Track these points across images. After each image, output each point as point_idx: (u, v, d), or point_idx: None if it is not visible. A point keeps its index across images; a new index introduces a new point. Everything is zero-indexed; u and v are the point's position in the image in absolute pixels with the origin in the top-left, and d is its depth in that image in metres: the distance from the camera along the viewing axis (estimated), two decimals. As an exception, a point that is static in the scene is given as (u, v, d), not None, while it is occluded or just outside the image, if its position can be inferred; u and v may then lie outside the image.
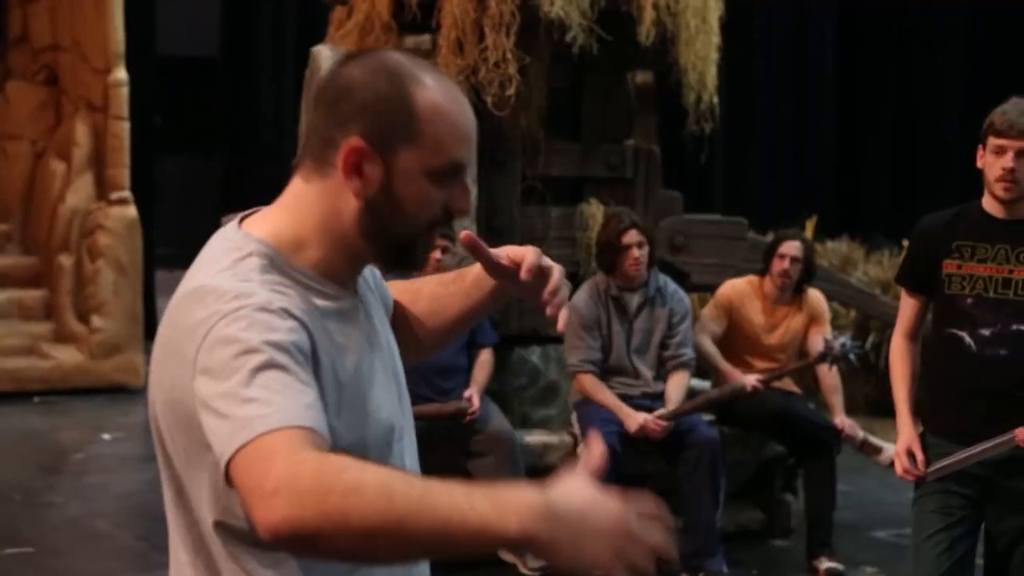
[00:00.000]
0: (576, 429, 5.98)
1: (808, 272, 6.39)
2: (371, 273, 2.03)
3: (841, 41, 14.20)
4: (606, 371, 6.05)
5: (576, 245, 6.73)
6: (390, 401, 1.91)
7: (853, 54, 14.20)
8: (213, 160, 16.59)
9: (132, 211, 10.29)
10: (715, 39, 6.82)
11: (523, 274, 1.99)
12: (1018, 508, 3.94)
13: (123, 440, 8.80)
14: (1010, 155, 3.81)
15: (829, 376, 6.31)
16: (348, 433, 1.78)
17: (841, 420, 6.23)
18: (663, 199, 7.00)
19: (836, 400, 6.32)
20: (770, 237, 6.76)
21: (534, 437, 6.15)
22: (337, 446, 1.69)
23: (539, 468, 5.87)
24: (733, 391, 6.15)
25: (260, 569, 1.77)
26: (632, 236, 5.98)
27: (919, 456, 3.96)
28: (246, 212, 1.92)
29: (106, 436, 8.75)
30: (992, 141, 3.84)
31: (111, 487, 7.47)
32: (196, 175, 17.90)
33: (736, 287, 6.48)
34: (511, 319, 6.60)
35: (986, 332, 3.87)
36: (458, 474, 5.43)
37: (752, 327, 6.40)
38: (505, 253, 2.02)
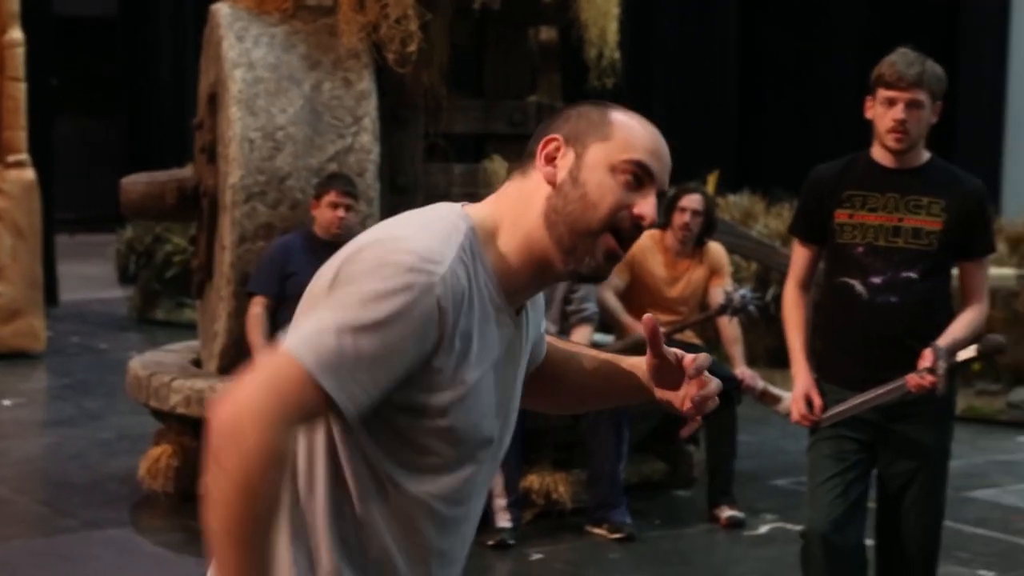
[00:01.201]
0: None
1: (709, 225, 6.47)
2: (535, 313, 2.13)
3: (741, -3, 14.31)
4: (510, 326, 6.08)
5: (479, 202, 6.73)
6: (494, 423, 1.98)
7: (753, 9, 14.32)
8: (112, 121, 16.38)
9: (30, 174, 10.12)
10: (615, -6, 6.84)
11: (690, 369, 2.08)
12: (908, 452, 4.04)
13: (24, 406, 8.70)
14: (900, 106, 3.88)
15: (729, 328, 6.41)
16: (458, 423, 1.89)
17: (742, 371, 6.33)
18: (565, 155, 7.03)
19: (736, 351, 6.42)
20: (671, 191, 6.82)
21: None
22: (438, 422, 1.87)
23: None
24: (636, 343, 6.22)
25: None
26: (535, 192, 6.01)
27: (816, 402, 4.04)
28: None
29: (6, 402, 8.64)
30: (882, 92, 3.90)
31: (12, 452, 7.39)
32: (95, 137, 17.64)
33: (638, 241, 6.53)
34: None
35: (877, 280, 3.95)
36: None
37: (654, 280, 6.47)
38: (675, 352, 2.12)
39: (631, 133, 1.94)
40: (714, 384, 2.10)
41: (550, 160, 1.95)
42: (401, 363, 1.81)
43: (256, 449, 1.74)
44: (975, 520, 6.27)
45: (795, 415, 4.06)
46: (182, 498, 6.21)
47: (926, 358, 3.85)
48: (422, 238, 1.85)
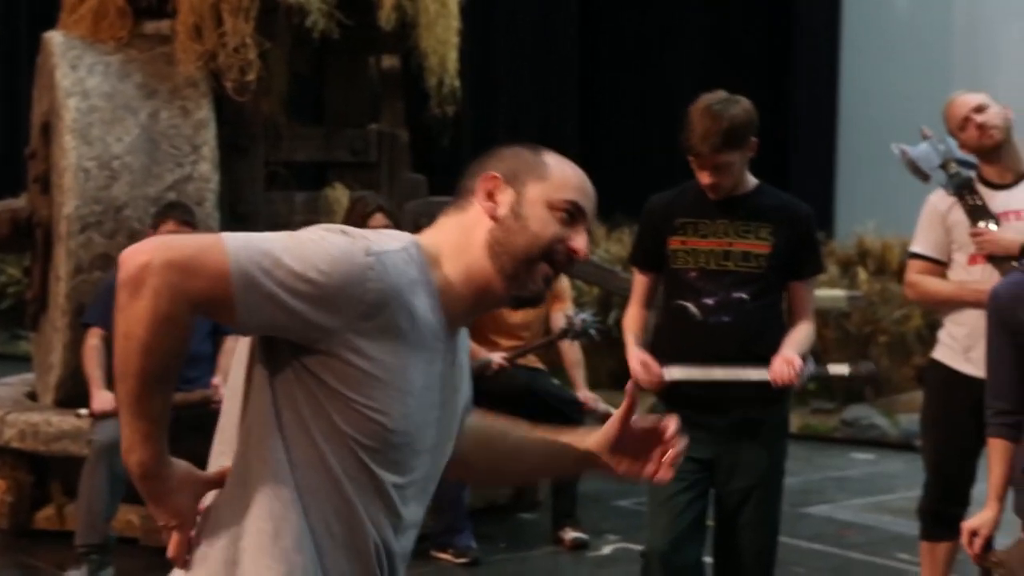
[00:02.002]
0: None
1: (549, 251, 6.54)
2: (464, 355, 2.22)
3: (583, 24, 14.51)
4: (353, 353, 6.07)
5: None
6: (430, 436, 2.08)
7: (594, 37, 14.54)
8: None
9: None
10: (455, 23, 6.91)
11: (669, 436, 2.26)
12: (744, 471, 4.13)
13: None
14: (707, 172, 4.02)
15: (571, 351, 6.49)
16: (399, 423, 1.98)
17: (584, 394, 6.41)
18: (408, 182, 7.06)
19: (578, 374, 6.50)
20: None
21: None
22: (376, 420, 1.96)
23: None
24: (479, 368, 6.25)
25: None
26: (378, 220, 6.03)
27: (653, 367, 4.07)
28: None
29: None
30: (689, 155, 4.03)
31: None
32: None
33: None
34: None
35: (709, 301, 4.06)
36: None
37: (496, 306, 6.51)
38: (648, 419, 2.27)
39: (565, 174, 2.13)
40: (683, 443, 2.28)
41: (491, 196, 2.10)
42: (309, 306, 1.89)
43: (147, 310, 1.84)
44: (810, 535, 6.43)
45: (640, 380, 4.04)
46: (17, 534, 6.06)
47: (795, 360, 3.95)
48: (370, 235, 1.99)
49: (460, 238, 2.09)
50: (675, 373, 4.06)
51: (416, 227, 6.81)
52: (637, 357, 4.11)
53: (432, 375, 2.04)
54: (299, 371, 1.95)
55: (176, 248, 1.86)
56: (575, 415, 6.33)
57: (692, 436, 4.03)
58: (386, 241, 1.99)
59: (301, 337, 1.92)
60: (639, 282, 4.28)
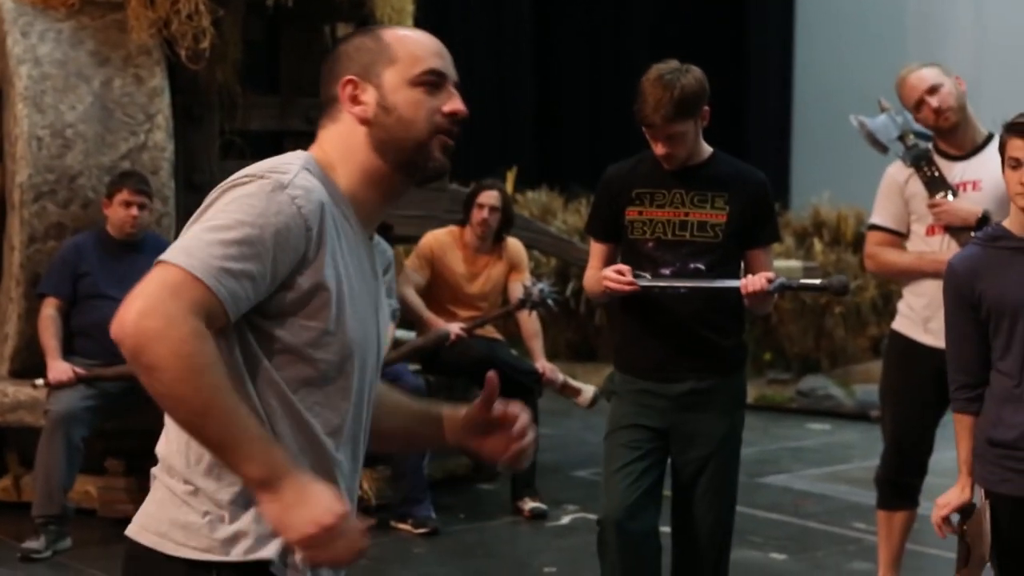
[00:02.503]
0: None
1: (507, 221, 6.54)
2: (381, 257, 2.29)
3: (538, -5, 14.47)
4: (311, 324, 6.05)
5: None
6: (373, 325, 2.13)
7: (550, 7, 14.50)
8: None
9: None
10: (410, -10, 6.87)
11: (516, 428, 2.29)
12: (700, 441, 4.14)
13: None
14: (661, 143, 4.00)
15: (529, 322, 6.49)
16: (333, 321, 2.01)
17: (542, 364, 6.41)
18: (364, 152, 7.02)
19: (536, 345, 6.50)
20: (471, 188, 6.88)
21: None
22: (322, 326, 2.00)
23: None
24: (437, 339, 6.26)
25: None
26: (333, 190, 6.00)
27: (627, 273, 3.99)
28: None
29: None
30: (643, 126, 4.02)
31: None
32: None
33: (438, 237, 6.58)
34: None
35: (666, 271, 4.05)
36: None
37: (454, 276, 6.51)
38: (503, 407, 2.29)
39: (412, 47, 2.12)
40: (531, 437, 2.31)
41: (355, 100, 2.10)
42: (270, 258, 1.94)
43: (176, 335, 1.85)
44: (767, 505, 6.47)
45: (613, 287, 3.98)
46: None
47: (767, 273, 3.96)
48: (261, 164, 2.03)
49: (344, 148, 2.10)
50: (647, 281, 4.02)
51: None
52: (611, 268, 4.04)
53: (364, 278, 2.10)
54: (239, 331, 1.99)
55: (142, 297, 1.88)
56: (533, 385, 6.34)
57: (647, 404, 4.11)
58: (288, 166, 2.01)
59: (285, 264, 1.97)
60: (596, 251, 4.25)
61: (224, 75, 6.50)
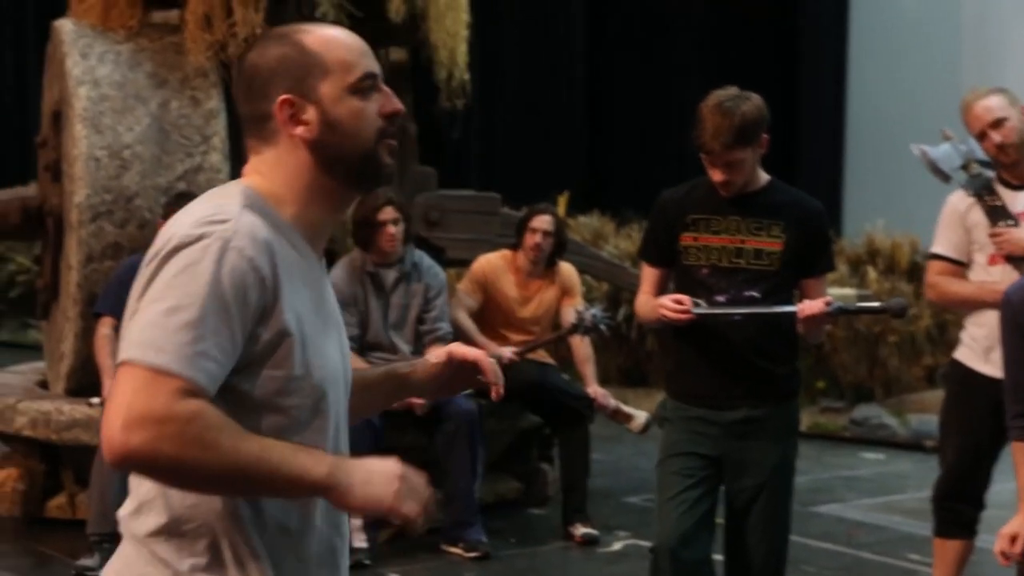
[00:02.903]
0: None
1: (559, 245, 6.53)
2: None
3: (591, 20, 14.49)
4: (364, 347, 6.07)
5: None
6: (336, 360, 2.04)
7: (602, 32, 14.51)
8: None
9: None
10: (464, 16, 6.89)
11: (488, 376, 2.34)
12: (754, 469, 4.11)
13: None
14: (719, 170, 3.99)
15: (582, 347, 6.47)
16: (300, 365, 1.93)
17: (594, 389, 6.39)
18: (418, 175, 7.04)
19: (589, 370, 6.48)
20: (522, 212, 6.88)
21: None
22: (290, 373, 1.92)
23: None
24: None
25: None
26: (388, 213, 6.01)
27: (684, 301, 3.98)
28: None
29: None
30: (701, 152, 4.01)
31: None
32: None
33: (490, 261, 6.58)
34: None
35: (721, 298, 4.03)
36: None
37: (507, 300, 6.51)
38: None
39: (339, 51, 2.00)
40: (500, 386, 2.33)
41: (295, 120, 1.98)
42: (236, 322, 1.85)
43: (171, 432, 1.78)
44: (820, 535, 6.41)
45: (669, 315, 3.97)
46: (29, 522, 6.05)
47: (824, 297, 3.96)
48: (197, 212, 1.91)
49: (287, 172, 1.99)
50: (703, 309, 4.00)
51: (426, 220, 6.83)
52: (667, 297, 4.03)
53: (321, 305, 2.02)
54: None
55: (117, 413, 1.79)
56: (585, 411, 6.32)
57: (699, 432, 4.09)
58: (228, 210, 1.89)
59: (251, 320, 1.89)
60: (649, 275, 4.24)
61: (280, 97, 6.54)
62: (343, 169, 1.99)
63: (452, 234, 7.04)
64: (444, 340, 6.20)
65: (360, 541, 5.73)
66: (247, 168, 2.03)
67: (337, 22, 6.31)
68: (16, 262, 11.58)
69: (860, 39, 13.81)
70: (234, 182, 2.02)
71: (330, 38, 2.01)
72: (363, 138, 1.99)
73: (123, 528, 2.00)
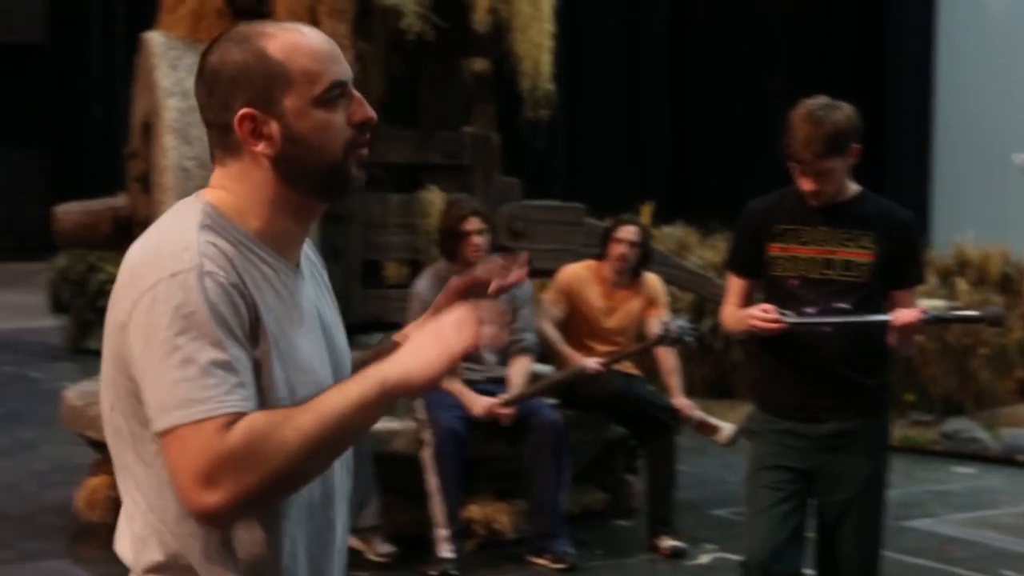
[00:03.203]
0: (420, 415, 6.00)
1: (645, 256, 6.50)
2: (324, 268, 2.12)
3: (674, 30, 14.44)
4: (449, 357, 6.05)
5: (416, 232, 6.73)
6: (323, 371, 1.96)
7: (685, 42, 14.45)
8: (40, 150, 16.17)
9: (-42, 203, 10.00)
10: (548, 27, 6.87)
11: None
12: (845, 482, 4.06)
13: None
14: (810, 179, 3.94)
15: (667, 358, 6.43)
16: (281, 386, 1.87)
17: (680, 401, 6.35)
18: (501, 185, 7.04)
19: (675, 381, 6.43)
20: (607, 222, 6.85)
21: (379, 424, 6.13)
22: (274, 396, 1.85)
23: (384, 454, 5.87)
24: (574, 374, 6.23)
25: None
26: (473, 223, 6.01)
27: (772, 311, 3.95)
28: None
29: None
30: (791, 161, 3.96)
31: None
32: (22, 165, 17.44)
33: (575, 272, 6.56)
34: (353, 306, 6.58)
35: (810, 310, 3.99)
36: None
37: (591, 311, 6.48)
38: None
39: (304, 60, 1.89)
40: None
41: (257, 135, 1.89)
42: (240, 334, 1.81)
43: (239, 466, 1.74)
44: (912, 550, 6.31)
45: (759, 326, 3.95)
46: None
47: (919, 306, 3.90)
48: (155, 240, 1.86)
49: (250, 186, 1.91)
50: (793, 318, 3.96)
51: (510, 230, 6.82)
52: (756, 308, 4.00)
53: (302, 315, 1.94)
54: None
55: (184, 483, 1.77)
56: (671, 422, 6.27)
57: (789, 445, 4.04)
58: (186, 237, 1.83)
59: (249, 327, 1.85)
60: (735, 286, 4.21)
61: (366, 108, 6.57)
62: (308, 183, 1.91)
63: (536, 244, 7.02)
64: (529, 351, 6.20)
65: (447, 552, 5.73)
66: (212, 181, 1.95)
67: (422, 33, 6.34)
68: (106, 272, 11.71)
69: (948, 43, 13.61)
70: (193, 197, 1.94)
71: (294, 44, 1.89)
72: (329, 151, 1.90)
73: (125, 562, 1.98)
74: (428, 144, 6.88)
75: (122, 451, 1.92)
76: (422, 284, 6.09)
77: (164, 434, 1.78)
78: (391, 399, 1.81)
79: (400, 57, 6.97)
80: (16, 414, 9.09)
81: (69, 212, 6.75)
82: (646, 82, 14.26)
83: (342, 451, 1.86)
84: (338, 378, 1.98)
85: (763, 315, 3.94)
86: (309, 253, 2.06)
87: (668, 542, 6.13)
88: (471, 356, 5.59)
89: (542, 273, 7.31)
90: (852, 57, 13.69)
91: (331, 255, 6.58)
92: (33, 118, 15.82)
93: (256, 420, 1.76)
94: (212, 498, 1.75)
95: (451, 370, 1.82)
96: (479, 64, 7.26)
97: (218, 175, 1.94)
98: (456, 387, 5.95)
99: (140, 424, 1.86)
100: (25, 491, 7.08)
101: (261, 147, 1.89)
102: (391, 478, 5.86)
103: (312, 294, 2.01)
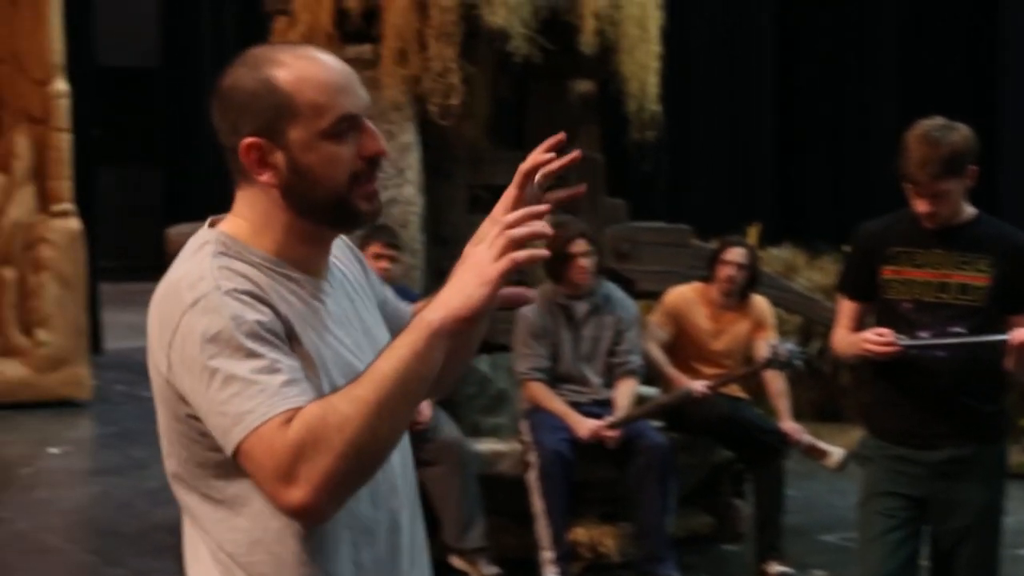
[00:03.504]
0: (526, 437, 6.00)
1: (753, 278, 6.44)
2: (360, 268, 2.12)
3: (780, 49, 14.31)
4: (555, 379, 6.07)
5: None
6: (359, 362, 1.94)
7: (791, 62, 14.32)
8: (154, 171, 16.47)
9: (75, 223, 10.20)
10: (655, 48, 6.86)
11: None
12: (960, 510, 3.99)
13: (71, 454, 8.72)
14: (927, 201, 3.88)
15: (775, 381, 6.37)
16: (327, 391, 1.86)
17: (788, 424, 6.28)
18: (607, 207, 7.03)
19: (783, 405, 6.37)
20: (713, 244, 6.81)
21: (484, 445, 6.16)
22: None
23: (489, 476, 5.88)
24: (681, 396, 6.19)
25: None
26: (579, 245, 6.01)
27: (888, 334, 3.90)
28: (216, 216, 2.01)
29: (53, 450, 8.67)
30: (906, 183, 3.90)
31: (60, 501, 7.40)
32: (137, 187, 17.79)
33: (682, 294, 6.52)
34: (459, 328, 6.61)
35: (924, 335, 3.93)
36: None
37: (699, 333, 6.44)
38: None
39: (312, 92, 1.88)
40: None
41: (263, 165, 1.90)
42: (273, 344, 1.81)
43: (310, 457, 1.74)
44: (1027, 578, 6.18)
45: (874, 349, 3.89)
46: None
47: None
48: (177, 282, 1.86)
49: (263, 212, 1.92)
50: (908, 341, 3.89)
51: (616, 252, 6.81)
52: (871, 331, 3.94)
53: (338, 318, 1.95)
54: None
55: (270, 489, 1.78)
56: (779, 445, 6.21)
57: (902, 471, 3.98)
58: (201, 264, 1.87)
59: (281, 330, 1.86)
60: (847, 308, 4.16)
61: (472, 131, 6.61)
62: (315, 214, 1.91)
63: (642, 266, 7.00)
64: (635, 373, 6.17)
65: (552, 574, 5.72)
66: (233, 208, 1.97)
67: (529, 56, 6.36)
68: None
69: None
70: (206, 228, 1.96)
71: (304, 75, 1.88)
72: (333, 185, 1.89)
73: None
74: (534, 166, 6.88)
75: (184, 495, 1.94)
76: (529, 306, 6.09)
77: (236, 455, 1.79)
78: (442, 339, 1.77)
79: (507, 79, 7.00)
80: (128, 433, 9.24)
81: (181, 233, 6.85)
82: (752, 101, 14.16)
83: (410, 408, 1.80)
84: None
85: (878, 339, 3.88)
86: (338, 253, 2.05)
87: (776, 567, 6.06)
88: (576, 378, 5.59)
89: (648, 295, 7.29)
90: (961, 74, 13.47)
91: (436, 276, 6.62)
92: (148, 140, 16.13)
93: (310, 407, 1.76)
94: (297, 494, 1.74)
95: (494, 295, 1.78)
96: (584, 85, 7.27)
97: (237, 199, 1.96)
98: (562, 409, 5.94)
99: (197, 464, 1.89)
100: (138, 509, 7.20)
101: (266, 177, 1.90)
102: (496, 500, 5.87)
103: (346, 298, 2.01)
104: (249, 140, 1.89)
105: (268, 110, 1.88)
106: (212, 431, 1.82)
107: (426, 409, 5.75)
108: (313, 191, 1.89)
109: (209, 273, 1.84)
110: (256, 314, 1.82)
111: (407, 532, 2.02)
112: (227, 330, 1.79)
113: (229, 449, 1.79)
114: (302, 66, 1.90)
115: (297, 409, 1.76)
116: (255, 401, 1.77)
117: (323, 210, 1.91)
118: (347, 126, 1.89)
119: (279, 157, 1.89)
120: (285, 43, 1.97)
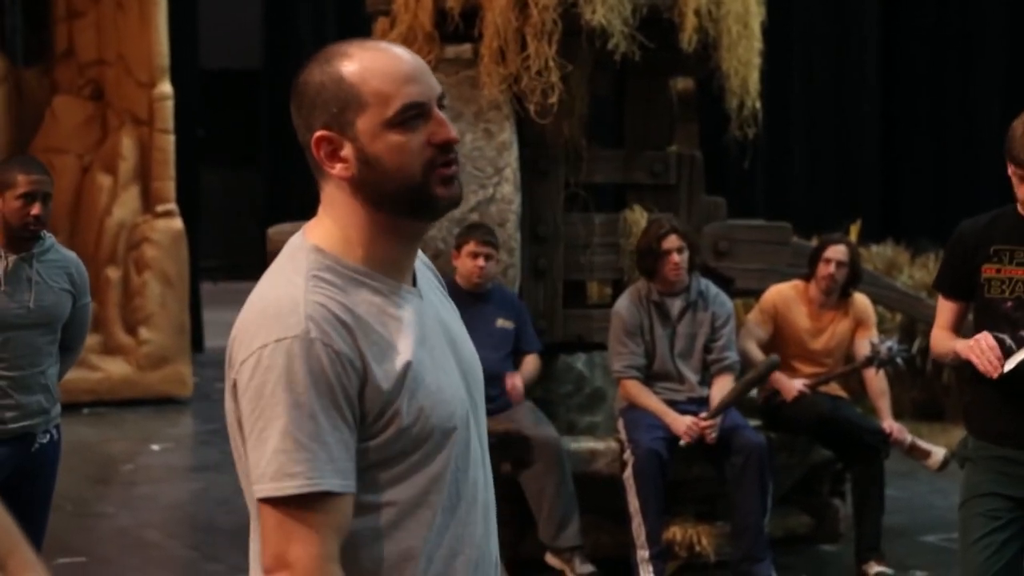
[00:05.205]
0: (622, 435, 5.99)
1: (854, 276, 6.37)
2: (441, 287, 2.12)
3: (883, 45, 14.15)
4: (651, 376, 6.05)
5: (620, 252, 6.73)
6: (453, 386, 1.95)
7: (895, 58, 14.15)
8: (256, 172, 16.68)
9: (178, 223, 10.38)
10: (757, 44, 6.80)
11: None
12: (1067, 510, 3.92)
13: (172, 451, 8.87)
14: None
15: (876, 380, 6.29)
16: (408, 415, 1.87)
17: (889, 424, 6.20)
18: (706, 205, 6.99)
19: (884, 404, 6.29)
20: (813, 242, 6.74)
21: (580, 444, 6.15)
22: (401, 427, 1.86)
23: (585, 475, 5.88)
24: (767, 366, 6.06)
25: None
26: (671, 241, 5.98)
27: (995, 348, 3.77)
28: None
29: (155, 447, 8.83)
30: (1011, 166, 3.82)
31: (160, 497, 7.53)
32: (239, 187, 18.04)
33: (781, 292, 6.47)
34: (556, 326, 6.62)
35: (1026, 335, 3.85)
36: (505, 482, 5.45)
37: (798, 332, 6.38)
38: None
39: (377, 82, 1.87)
40: None
41: (334, 157, 1.90)
42: (342, 414, 1.82)
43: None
44: None
45: (980, 366, 3.77)
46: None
47: None
48: (269, 306, 1.86)
49: (342, 210, 1.91)
50: (1014, 364, 3.80)
51: (715, 250, 6.76)
52: (982, 338, 3.80)
53: (427, 335, 1.93)
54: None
55: (267, 556, 1.84)
56: (880, 445, 6.14)
57: (1005, 472, 3.91)
58: (294, 291, 1.86)
59: (357, 405, 1.86)
60: (945, 309, 4.09)
61: (570, 129, 6.61)
62: (391, 205, 1.90)
63: (742, 264, 6.95)
64: (731, 370, 6.13)
65: (647, 573, 5.71)
66: (320, 208, 1.96)
67: (628, 54, 6.35)
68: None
69: None
70: (300, 235, 1.96)
71: (370, 66, 1.88)
72: (407, 174, 1.88)
73: None
74: (633, 164, 6.88)
75: (248, 499, 1.95)
76: (622, 303, 6.09)
77: (264, 502, 1.83)
78: None
79: (605, 77, 6.99)
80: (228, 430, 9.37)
81: (282, 233, 6.93)
82: (854, 100, 14.01)
83: None
84: (469, 388, 1.99)
85: (987, 351, 3.77)
86: (422, 266, 2.05)
87: (876, 568, 5.98)
88: (672, 376, 5.53)
89: (747, 293, 7.24)
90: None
91: (534, 275, 6.63)
92: (250, 141, 16.35)
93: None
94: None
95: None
96: (682, 83, 7.24)
97: (321, 198, 1.96)
98: (658, 406, 5.92)
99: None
100: (236, 505, 7.28)
101: (338, 169, 1.90)
102: (592, 499, 5.86)
103: (433, 310, 2.00)
104: (320, 133, 1.90)
105: (336, 102, 1.88)
106: (250, 461, 1.85)
107: (519, 383, 5.84)
108: (384, 181, 1.89)
109: (302, 308, 1.84)
110: (336, 374, 1.82)
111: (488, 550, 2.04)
112: (303, 384, 1.81)
113: (258, 493, 1.83)
114: (368, 57, 1.90)
115: (330, 494, 1.80)
116: (298, 468, 1.80)
117: (397, 200, 1.90)
118: (414, 114, 1.88)
119: (349, 149, 1.89)
120: (356, 40, 1.96)
